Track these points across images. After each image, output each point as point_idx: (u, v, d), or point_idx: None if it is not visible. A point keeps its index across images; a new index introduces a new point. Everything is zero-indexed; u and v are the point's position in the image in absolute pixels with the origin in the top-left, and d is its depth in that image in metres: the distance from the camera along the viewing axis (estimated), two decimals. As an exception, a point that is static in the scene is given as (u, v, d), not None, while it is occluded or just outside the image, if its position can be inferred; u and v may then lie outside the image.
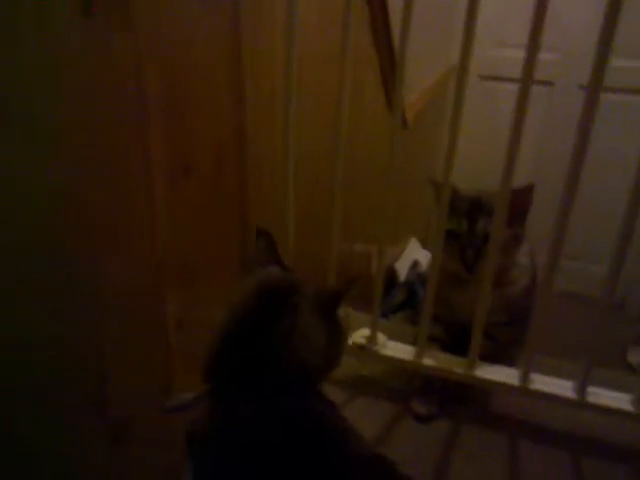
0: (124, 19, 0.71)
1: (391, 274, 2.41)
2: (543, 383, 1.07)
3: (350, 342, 1.21)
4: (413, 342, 1.18)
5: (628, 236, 0.93)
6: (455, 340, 1.23)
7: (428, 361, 1.16)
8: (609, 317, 1.00)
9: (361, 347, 1.21)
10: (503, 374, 1.10)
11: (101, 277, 0.74)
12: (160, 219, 0.84)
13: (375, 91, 1.86)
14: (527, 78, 0.90)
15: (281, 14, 1.02)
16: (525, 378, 1.07)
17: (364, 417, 1.13)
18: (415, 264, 2.50)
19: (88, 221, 0.71)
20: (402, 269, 2.47)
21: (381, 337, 1.22)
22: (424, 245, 2.74)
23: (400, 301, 2.34)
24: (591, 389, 1.04)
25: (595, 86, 0.87)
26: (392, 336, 1.25)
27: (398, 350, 1.20)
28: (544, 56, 0.95)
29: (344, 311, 0.73)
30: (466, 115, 0.97)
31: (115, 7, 0.70)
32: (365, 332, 1.22)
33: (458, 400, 1.19)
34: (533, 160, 2.80)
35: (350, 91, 1.05)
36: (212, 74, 0.94)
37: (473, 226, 1.10)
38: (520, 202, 1.06)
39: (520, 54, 0.90)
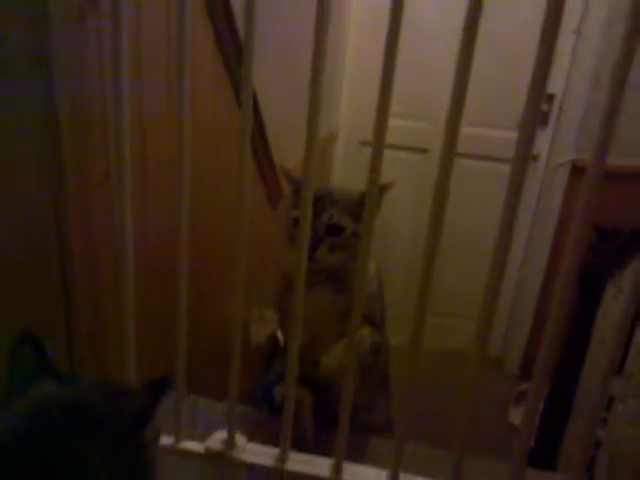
0: None
1: (273, 343, 2.28)
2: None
3: (203, 448, 1.06)
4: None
5: (495, 290, 0.86)
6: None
7: (293, 466, 1.04)
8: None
9: (218, 454, 1.06)
10: (370, 477, 1.01)
11: None
12: None
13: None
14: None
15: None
16: (394, 481, 0.98)
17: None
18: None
19: None
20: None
21: (240, 439, 1.08)
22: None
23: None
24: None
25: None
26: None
27: (259, 454, 1.07)
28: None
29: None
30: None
31: None
32: (222, 434, 1.08)
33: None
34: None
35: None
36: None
37: (319, 215, 1.07)
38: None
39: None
